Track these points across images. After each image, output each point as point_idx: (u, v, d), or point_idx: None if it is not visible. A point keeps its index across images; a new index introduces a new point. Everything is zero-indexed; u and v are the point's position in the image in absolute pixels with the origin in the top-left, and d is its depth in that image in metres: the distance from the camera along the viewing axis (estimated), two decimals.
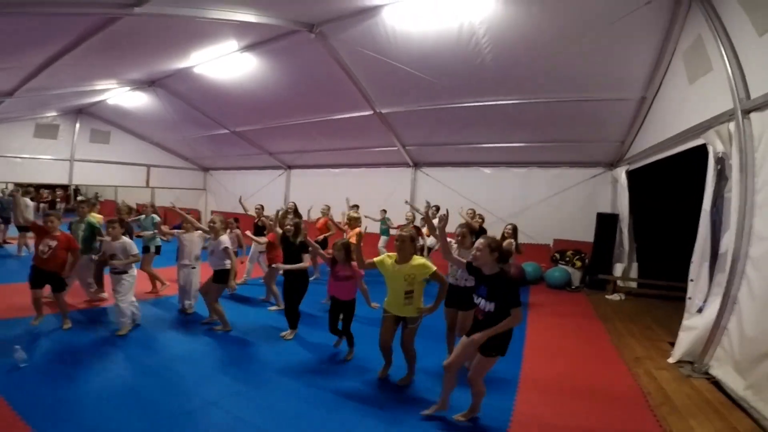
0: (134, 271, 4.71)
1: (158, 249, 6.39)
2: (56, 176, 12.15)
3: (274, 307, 5.86)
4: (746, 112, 3.68)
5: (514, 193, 9.38)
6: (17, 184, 12.29)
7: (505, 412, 3.30)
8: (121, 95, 9.81)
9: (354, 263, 3.96)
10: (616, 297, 7.55)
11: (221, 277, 4.78)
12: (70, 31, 4.88)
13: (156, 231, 6.11)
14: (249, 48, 6.54)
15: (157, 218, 6.45)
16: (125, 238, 4.65)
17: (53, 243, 4.47)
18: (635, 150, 7.33)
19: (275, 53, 6.69)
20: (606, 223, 8.23)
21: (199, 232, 5.31)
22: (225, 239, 4.84)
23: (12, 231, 9.67)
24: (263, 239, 6.12)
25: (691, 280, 4.56)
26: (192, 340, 4.63)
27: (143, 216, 6.61)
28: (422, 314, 3.48)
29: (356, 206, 8.62)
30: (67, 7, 4.00)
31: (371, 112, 8.09)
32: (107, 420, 2.89)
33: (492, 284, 2.84)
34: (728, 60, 3.81)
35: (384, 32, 5.70)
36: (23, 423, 2.74)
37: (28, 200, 9.09)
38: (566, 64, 5.85)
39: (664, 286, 7.40)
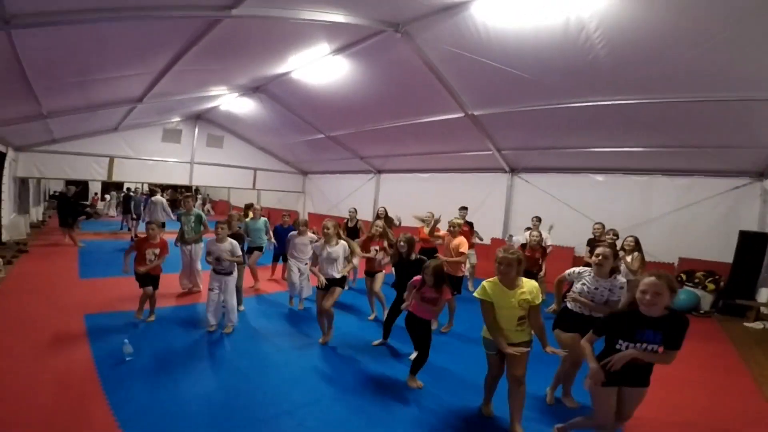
0: (236, 272, 4.96)
1: (261, 248, 6.94)
2: (179, 178, 13.68)
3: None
4: None
5: (631, 203, 8.16)
6: (150, 185, 14.25)
7: None
8: (231, 101, 10.67)
9: (446, 288, 3.67)
10: (758, 325, 6.24)
11: (337, 281, 4.62)
12: (180, 36, 5.26)
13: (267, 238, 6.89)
14: (339, 51, 6.57)
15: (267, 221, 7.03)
16: (231, 240, 4.84)
17: (157, 251, 4.92)
18: None
19: (364, 56, 6.63)
20: (751, 242, 6.77)
21: (311, 235, 5.70)
22: (339, 250, 4.59)
23: (141, 227, 11.02)
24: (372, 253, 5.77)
25: None
26: (288, 342, 4.76)
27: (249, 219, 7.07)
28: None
29: (465, 208, 7.97)
30: (166, 10, 4.25)
31: (462, 114, 7.64)
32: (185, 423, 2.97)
33: (668, 328, 2.39)
34: None
35: (474, 29, 5.28)
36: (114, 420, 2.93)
37: (164, 200, 10.36)
38: (699, 59, 4.82)
39: None
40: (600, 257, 3.20)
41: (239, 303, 5.39)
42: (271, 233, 7.01)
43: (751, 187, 7.18)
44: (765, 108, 5.40)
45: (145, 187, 17.53)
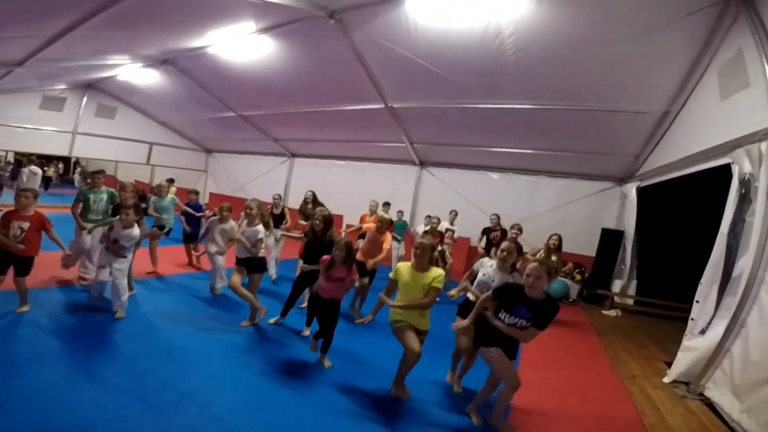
0: (131, 255, 4.52)
1: (169, 231, 6.40)
2: (56, 148, 11.98)
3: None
4: None
5: (520, 200, 9.26)
6: (18, 154, 12.23)
7: None
8: (131, 72, 9.66)
9: (354, 267, 3.83)
10: (612, 313, 7.51)
11: (258, 265, 4.66)
12: (85, 3, 4.75)
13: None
14: (266, 30, 6.39)
15: (176, 200, 6.49)
16: (136, 227, 4.36)
17: (25, 225, 3.89)
18: (649, 166, 7.21)
19: (292, 37, 6.55)
20: (610, 239, 8.16)
21: (232, 223, 5.34)
22: (261, 229, 4.62)
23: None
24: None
25: (697, 302, 4.45)
26: (190, 326, 4.38)
27: (153, 197, 6.47)
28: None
29: (387, 204, 8.39)
30: None
31: (383, 106, 7.96)
32: (66, 407, 2.60)
33: (540, 309, 2.83)
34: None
35: (405, 25, 5.58)
36: None
37: (35, 168, 8.98)
38: (590, 71, 5.75)
39: (661, 305, 7.40)
40: (504, 252, 3.33)
41: (130, 287, 4.80)
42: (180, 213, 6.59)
43: (613, 190, 8.69)
44: (628, 119, 6.56)
45: (10, 156, 15.00)
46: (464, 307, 3.55)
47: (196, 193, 7.40)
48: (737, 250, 4.08)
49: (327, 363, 3.81)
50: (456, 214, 8.25)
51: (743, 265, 3.86)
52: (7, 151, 14.60)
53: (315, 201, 6.90)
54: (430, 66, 6.24)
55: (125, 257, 4.36)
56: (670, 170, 6.08)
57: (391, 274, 3.38)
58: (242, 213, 4.76)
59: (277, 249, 6.65)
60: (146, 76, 9.67)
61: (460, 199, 9.64)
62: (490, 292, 3.04)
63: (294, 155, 13.20)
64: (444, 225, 7.83)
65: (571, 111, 6.71)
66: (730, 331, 3.78)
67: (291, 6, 5.31)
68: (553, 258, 6.06)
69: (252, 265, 4.62)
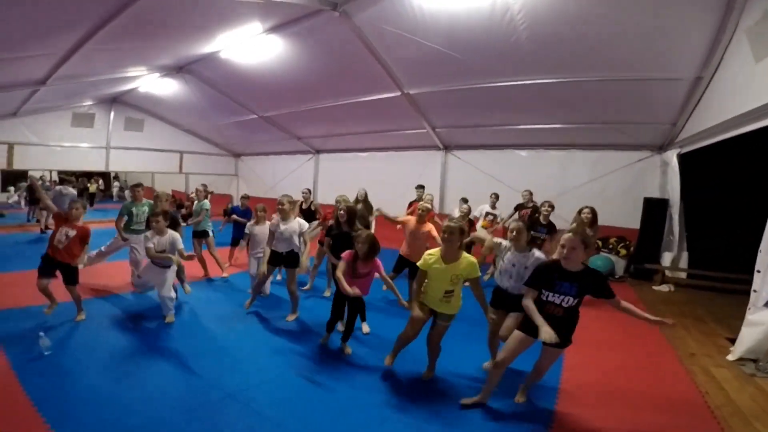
0: (175, 265, 4.56)
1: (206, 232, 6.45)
2: (94, 164, 12.51)
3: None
4: None
5: (552, 176, 8.82)
6: (61, 172, 12.85)
7: (545, 413, 3.05)
8: (151, 83, 9.88)
9: (377, 261, 3.65)
10: (664, 288, 7.03)
11: (294, 260, 4.63)
12: (92, 14, 4.80)
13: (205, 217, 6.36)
14: (274, 30, 6.34)
15: (207, 204, 6.50)
16: (172, 232, 4.49)
17: (72, 232, 4.20)
18: (688, 132, 6.68)
19: (300, 35, 6.46)
20: (654, 208, 7.65)
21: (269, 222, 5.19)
22: (302, 222, 4.68)
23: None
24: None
25: (758, 272, 4.08)
26: (237, 325, 4.60)
27: (195, 202, 6.64)
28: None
29: (421, 187, 8.18)
30: None
31: (399, 93, 7.75)
32: (125, 413, 2.77)
33: (583, 281, 2.66)
34: None
35: (410, 10, 5.37)
36: (39, 416, 2.65)
37: (65, 187, 9.39)
38: (611, 41, 5.35)
39: (718, 278, 6.86)
40: (514, 232, 3.27)
41: (183, 281, 5.27)
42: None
43: (653, 159, 8.11)
44: (660, 87, 6.11)
45: (54, 176, 15.82)
46: (496, 296, 3.46)
47: (247, 197, 7.42)
48: None
49: (348, 350, 3.90)
50: (497, 197, 7.70)
51: None
52: (51, 171, 15.46)
53: (366, 200, 6.81)
54: (442, 48, 5.99)
55: (168, 267, 4.47)
56: (710, 135, 5.67)
57: (419, 263, 3.22)
58: (275, 213, 4.73)
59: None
60: (166, 85, 9.88)
61: (489, 180, 9.29)
62: (526, 287, 2.87)
63: (318, 151, 13.20)
64: (484, 208, 7.53)
65: (594, 83, 6.30)
66: None
67: (293, 2, 5.20)
68: (589, 232, 5.72)
69: (289, 259, 4.63)
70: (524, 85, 6.69)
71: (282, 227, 4.53)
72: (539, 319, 2.66)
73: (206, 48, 7.26)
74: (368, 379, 3.45)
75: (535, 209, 6.79)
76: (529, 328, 2.80)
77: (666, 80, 5.91)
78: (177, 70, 8.71)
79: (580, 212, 5.76)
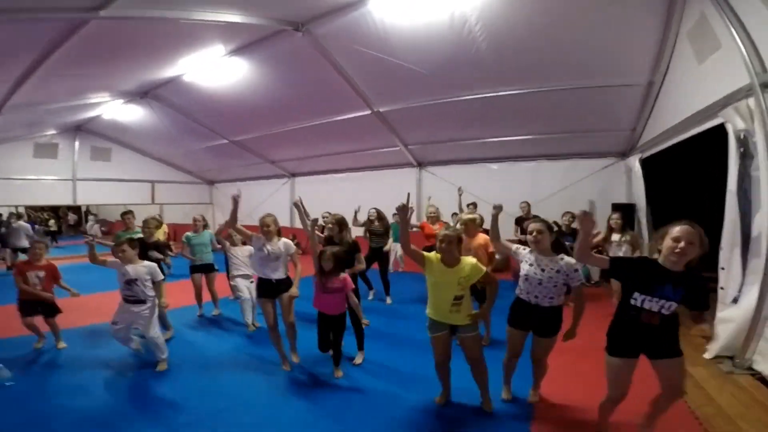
0: (154, 300, 4.02)
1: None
2: (61, 197, 12.14)
3: None
4: (765, 86, 3.44)
5: (523, 187, 8.95)
6: (28, 207, 12.34)
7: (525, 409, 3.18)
8: (116, 109, 9.72)
9: (346, 275, 3.66)
10: None
11: (288, 286, 4.08)
12: (39, 39, 4.72)
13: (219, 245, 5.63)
14: (237, 52, 6.34)
15: (212, 235, 5.82)
16: (148, 263, 4.01)
17: (41, 273, 4.35)
18: (647, 137, 6.98)
19: (265, 56, 6.47)
20: (622, 213, 7.83)
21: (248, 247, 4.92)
22: (290, 243, 4.19)
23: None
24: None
25: (722, 269, 4.20)
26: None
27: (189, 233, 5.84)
28: (476, 320, 3.05)
29: (473, 204, 8.04)
30: (24, 12, 3.81)
31: (369, 112, 7.83)
32: None
33: (688, 284, 2.24)
34: (738, 35, 3.62)
35: (373, 26, 5.46)
36: None
37: (21, 222, 9.05)
38: (566, 50, 5.56)
39: None
40: (534, 233, 2.98)
41: (167, 328, 4.81)
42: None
43: (617, 165, 8.39)
44: (617, 94, 6.36)
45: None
46: (516, 309, 3.11)
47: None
48: (750, 209, 3.86)
49: (338, 373, 3.81)
50: (475, 206, 7.82)
51: (759, 222, 3.65)
52: (16, 206, 14.85)
53: (381, 218, 6.74)
54: (407, 64, 6.09)
55: (144, 302, 3.87)
56: (667, 138, 5.90)
57: (426, 271, 3.03)
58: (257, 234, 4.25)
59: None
60: (130, 112, 9.72)
61: (465, 195, 9.37)
62: (610, 275, 2.65)
63: (294, 175, 13.14)
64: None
65: (556, 92, 6.51)
66: (763, 296, 3.54)
67: (252, 23, 5.24)
68: (615, 237, 5.77)
69: (283, 287, 4.05)
70: (489, 98, 6.86)
71: (269, 247, 4.03)
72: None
73: (169, 72, 7.19)
74: (355, 402, 3.37)
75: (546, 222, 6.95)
76: (617, 346, 2.48)
77: (622, 86, 6.15)
78: (141, 95, 8.58)
79: (609, 219, 5.94)
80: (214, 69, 6.92)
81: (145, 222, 5.10)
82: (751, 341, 3.65)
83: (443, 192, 9.83)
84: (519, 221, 7.30)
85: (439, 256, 2.99)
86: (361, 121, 8.24)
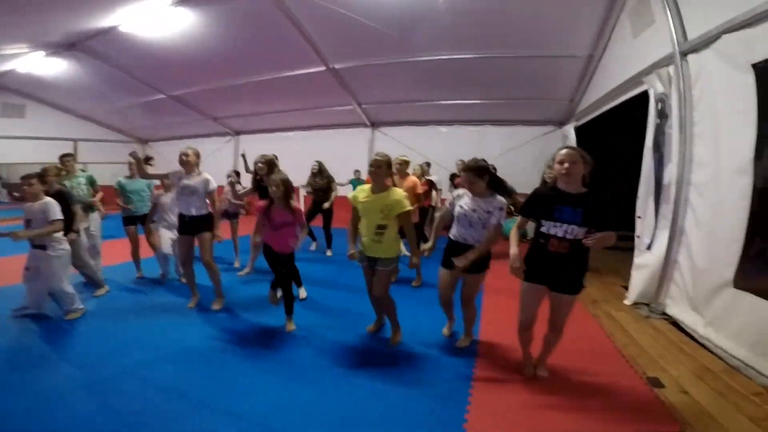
0: (65, 244, 3.68)
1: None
2: None
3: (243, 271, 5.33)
4: (684, 54, 3.92)
5: (470, 150, 9.21)
6: None
7: (467, 358, 3.20)
8: (34, 62, 8.64)
9: (297, 206, 3.46)
10: None
11: (208, 224, 3.94)
12: None
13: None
14: (184, 2, 5.92)
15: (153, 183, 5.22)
16: (48, 199, 3.57)
17: None
18: (582, 106, 7.62)
19: (214, 5, 6.08)
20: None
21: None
22: (205, 179, 3.92)
23: None
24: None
25: (639, 217, 4.69)
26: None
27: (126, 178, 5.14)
28: (396, 259, 3.13)
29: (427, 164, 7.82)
30: None
31: (324, 68, 7.68)
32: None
33: (588, 205, 2.33)
34: (669, 9, 4.05)
35: None
36: None
37: None
38: (518, 19, 5.86)
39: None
40: (468, 183, 3.04)
41: (99, 284, 4.44)
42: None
43: (555, 133, 9.09)
44: (560, 64, 6.82)
45: None
46: (448, 251, 3.11)
47: None
48: (663, 162, 4.37)
49: (290, 326, 3.56)
50: (429, 164, 8.01)
51: (670, 172, 4.17)
52: None
53: (321, 171, 6.52)
54: (365, 20, 6.03)
55: (44, 248, 3.51)
56: (599, 106, 6.50)
57: (349, 196, 3.16)
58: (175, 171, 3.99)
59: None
60: (52, 66, 8.72)
61: (416, 156, 9.62)
62: (519, 216, 2.67)
63: (238, 133, 12.57)
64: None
65: (506, 59, 6.83)
66: (672, 239, 4.04)
67: None
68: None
69: (200, 224, 3.90)
70: (443, 60, 7.03)
71: (186, 181, 3.82)
72: (514, 250, 2.53)
73: (103, 22, 6.53)
74: (295, 347, 3.27)
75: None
76: (532, 273, 2.57)
77: (565, 57, 6.61)
78: (67, 47, 7.71)
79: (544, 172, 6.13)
80: (155, 19, 6.38)
81: (44, 171, 3.91)
82: (663, 286, 4.14)
83: (395, 152, 9.96)
84: (452, 177, 7.66)
85: (366, 187, 3.13)
86: (315, 78, 8.07)
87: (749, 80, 3.10)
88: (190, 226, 3.89)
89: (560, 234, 2.37)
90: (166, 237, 4.93)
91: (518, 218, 2.65)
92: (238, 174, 6.60)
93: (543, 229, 2.44)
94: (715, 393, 2.68)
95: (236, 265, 5.75)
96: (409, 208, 3.03)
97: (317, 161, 6.67)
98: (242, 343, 3.35)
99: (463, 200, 3.05)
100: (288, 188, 3.39)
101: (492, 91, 8.15)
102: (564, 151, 2.41)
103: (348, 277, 5.36)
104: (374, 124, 10.43)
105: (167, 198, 4.81)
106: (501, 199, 2.97)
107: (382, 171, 2.98)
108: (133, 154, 4.13)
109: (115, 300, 4.35)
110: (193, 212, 3.86)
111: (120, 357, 3.01)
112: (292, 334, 3.52)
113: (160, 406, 2.41)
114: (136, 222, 5.06)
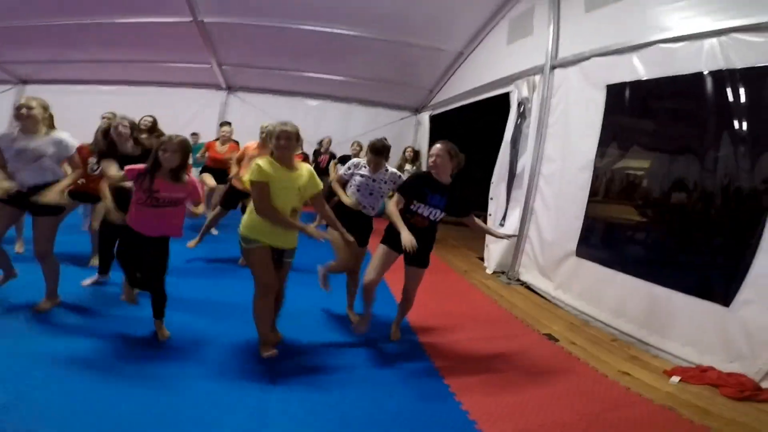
0: None
1: None
2: None
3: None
4: (553, 68, 4.81)
5: (337, 126, 9.40)
6: None
7: (417, 345, 3.20)
8: None
9: (193, 178, 2.75)
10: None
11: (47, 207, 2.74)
12: None
13: None
14: None
15: None
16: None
17: None
18: (440, 98, 8.59)
19: None
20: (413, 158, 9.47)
21: None
22: (47, 145, 2.75)
23: None
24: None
25: (491, 199, 5.64)
26: None
27: None
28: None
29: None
30: None
31: (190, 19, 6.43)
32: None
33: (452, 194, 2.82)
34: (554, 25, 4.81)
35: None
36: None
37: None
38: (401, 4, 6.11)
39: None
40: (371, 164, 3.24)
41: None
42: None
43: (410, 119, 10.04)
44: (429, 55, 7.43)
45: None
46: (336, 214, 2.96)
47: None
48: (517, 154, 5.32)
49: (164, 333, 2.77)
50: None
51: (524, 162, 5.10)
52: None
53: (154, 129, 5.23)
54: None
55: None
56: (459, 100, 7.43)
57: (253, 176, 2.42)
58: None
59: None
60: None
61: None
62: (397, 193, 2.87)
63: (26, 82, 9.27)
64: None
65: (379, 41, 7.03)
66: (524, 218, 4.95)
67: None
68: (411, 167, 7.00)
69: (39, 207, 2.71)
70: (318, 32, 6.83)
71: (22, 143, 2.70)
72: (402, 226, 2.63)
73: None
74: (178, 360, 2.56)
75: (332, 156, 7.56)
76: (392, 241, 2.76)
77: (434, 49, 7.21)
78: None
79: (404, 151, 7.29)
80: None
81: None
82: (517, 256, 5.02)
83: (252, 121, 9.18)
84: (315, 154, 7.75)
85: (268, 160, 2.49)
86: (174, 29, 6.76)
87: (601, 97, 4.09)
88: (24, 200, 2.73)
89: (425, 214, 2.79)
90: None
91: (395, 196, 2.87)
92: None
93: (412, 208, 2.80)
94: (590, 342, 3.38)
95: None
96: (321, 187, 2.73)
97: (150, 116, 5.35)
98: (96, 357, 2.47)
99: (362, 170, 3.27)
100: (187, 155, 2.63)
101: (360, 70, 8.35)
102: (437, 146, 2.83)
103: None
104: (231, 88, 9.41)
105: None
106: (395, 170, 3.35)
107: (293, 144, 2.48)
108: None
109: None
110: (36, 181, 2.73)
111: None
112: (168, 343, 2.74)
113: None
114: None
